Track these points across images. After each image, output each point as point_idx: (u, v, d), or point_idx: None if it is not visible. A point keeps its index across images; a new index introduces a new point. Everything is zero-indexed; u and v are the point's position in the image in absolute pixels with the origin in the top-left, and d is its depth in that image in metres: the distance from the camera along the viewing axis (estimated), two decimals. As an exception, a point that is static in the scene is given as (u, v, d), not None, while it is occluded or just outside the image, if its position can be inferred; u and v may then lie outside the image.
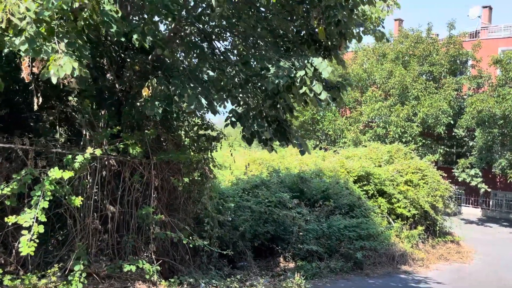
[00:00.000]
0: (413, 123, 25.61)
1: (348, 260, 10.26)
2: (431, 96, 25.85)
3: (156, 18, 7.53)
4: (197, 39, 7.34)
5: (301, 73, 5.46)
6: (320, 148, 25.59)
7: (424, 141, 26.20)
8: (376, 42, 29.93)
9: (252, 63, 5.77)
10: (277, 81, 5.35)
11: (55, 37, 4.22)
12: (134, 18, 6.78)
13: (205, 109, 5.71)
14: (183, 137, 6.99)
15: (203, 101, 5.55)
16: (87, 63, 4.69)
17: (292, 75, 5.48)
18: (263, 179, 11.93)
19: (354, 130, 26.95)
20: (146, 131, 6.58)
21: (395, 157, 17.35)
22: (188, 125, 7.60)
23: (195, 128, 7.69)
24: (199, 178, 7.58)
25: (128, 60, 6.76)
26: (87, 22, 4.54)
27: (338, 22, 5.86)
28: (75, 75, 4.31)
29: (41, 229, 4.72)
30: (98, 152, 5.48)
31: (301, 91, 5.56)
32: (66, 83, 4.49)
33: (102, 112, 6.71)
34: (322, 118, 29.58)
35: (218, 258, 8.69)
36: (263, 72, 5.68)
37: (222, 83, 6.14)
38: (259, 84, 6.09)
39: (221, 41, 7.28)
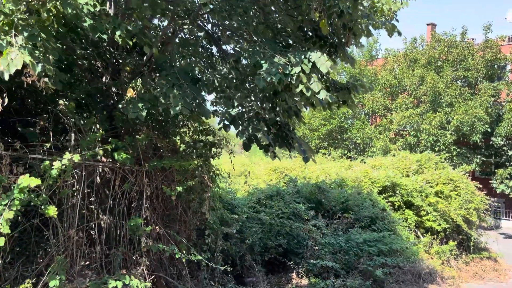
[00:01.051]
0: (447, 131, 24.34)
1: (367, 277, 9.45)
2: (466, 102, 24.53)
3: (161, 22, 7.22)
4: (204, 42, 6.91)
5: (297, 69, 4.87)
6: (347, 157, 24.68)
7: (459, 150, 24.83)
8: (406, 48, 28.88)
9: (245, 59, 5.22)
10: (269, 78, 4.78)
11: (12, 30, 3.83)
12: (129, 18, 6.40)
13: (192, 110, 5.18)
14: (178, 143, 6.50)
15: (191, 102, 5.04)
16: (55, 59, 4.27)
17: (287, 72, 4.89)
18: (279, 189, 11.30)
19: (383, 139, 25.86)
20: (137, 136, 6.14)
21: (425, 167, 16.31)
22: (188, 130, 7.13)
23: (197, 133, 7.21)
24: (200, 187, 7.08)
25: (121, 61, 6.36)
26: (51, 14, 4.13)
27: (341, 13, 5.24)
28: (36, 72, 3.91)
29: (1, 242, 4.31)
30: (76, 158, 5.05)
31: (297, 90, 4.96)
32: (30, 81, 4.10)
33: (97, 117, 6.34)
34: (351, 126, 28.65)
35: (223, 273, 8.12)
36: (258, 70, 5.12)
37: (216, 83, 5.64)
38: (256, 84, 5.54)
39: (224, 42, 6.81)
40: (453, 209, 14.30)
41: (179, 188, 6.23)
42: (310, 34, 6.10)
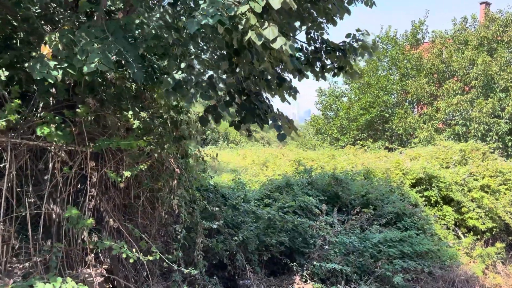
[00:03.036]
0: (500, 119, 21.76)
1: (384, 284, 7.95)
2: (523, 87, 21.82)
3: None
4: None
5: (243, 8, 3.57)
6: (386, 148, 22.72)
7: (514, 140, 22.17)
8: (454, 28, 26.26)
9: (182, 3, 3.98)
10: (204, 21, 3.51)
11: None
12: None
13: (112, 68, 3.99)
14: (132, 118, 5.37)
15: (115, 59, 3.89)
16: None
17: (233, 14, 3.60)
18: (289, 180, 9.98)
19: (427, 129, 23.60)
20: (77, 109, 5.08)
21: (469, 157, 14.30)
22: (152, 104, 6.00)
23: (165, 110, 6.06)
24: (169, 174, 5.96)
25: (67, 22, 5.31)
26: None
27: None
28: None
29: None
30: (-24, 132, 4.09)
31: (246, 38, 3.67)
32: None
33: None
34: (391, 115, 26.51)
35: (207, 275, 6.95)
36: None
37: (161, 40, 4.44)
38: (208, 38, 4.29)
39: None
40: (501, 205, 12.32)
41: (127, 173, 5.12)
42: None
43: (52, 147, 4.99)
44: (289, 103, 6.59)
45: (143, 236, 5.70)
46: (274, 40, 3.60)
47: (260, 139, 33.24)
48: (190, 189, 6.76)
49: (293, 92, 6.24)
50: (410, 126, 24.96)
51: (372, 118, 26.94)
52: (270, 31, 3.62)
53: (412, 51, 27.59)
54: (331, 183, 10.25)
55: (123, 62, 4.09)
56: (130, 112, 5.31)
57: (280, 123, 4.89)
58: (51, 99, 5.56)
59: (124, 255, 5.07)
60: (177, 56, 4.36)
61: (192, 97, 4.19)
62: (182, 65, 4.32)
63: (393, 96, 28.20)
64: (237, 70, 4.49)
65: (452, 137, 23.38)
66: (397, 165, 12.70)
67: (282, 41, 3.60)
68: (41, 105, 5.41)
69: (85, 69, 3.82)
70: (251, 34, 3.62)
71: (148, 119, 5.42)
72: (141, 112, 5.43)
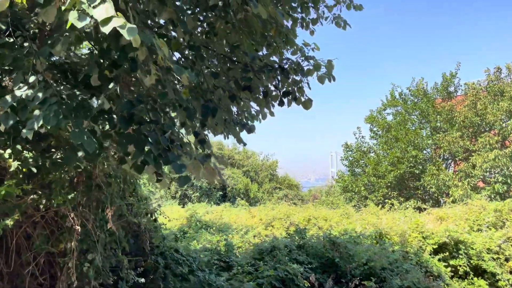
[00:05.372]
0: (546, 176, 19.23)
1: None
2: None
3: None
4: None
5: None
6: (416, 209, 20.37)
7: None
8: (488, 79, 24.41)
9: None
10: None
11: None
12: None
13: None
14: (10, 159, 4.12)
15: None
16: None
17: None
18: (275, 244, 8.32)
19: (463, 187, 21.18)
20: None
21: (506, 219, 12.07)
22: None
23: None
24: (70, 229, 4.59)
25: None
26: None
27: None
28: None
29: None
30: None
31: (68, 26, 2.40)
32: None
33: None
34: (422, 172, 24.24)
35: None
36: None
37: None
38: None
39: None
40: (549, 280, 9.96)
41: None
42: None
43: None
44: (245, 144, 5.23)
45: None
46: (107, 21, 2.30)
47: (284, 197, 31.41)
48: (119, 253, 5.34)
49: (246, 129, 4.92)
50: (444, 183, 22.58)
51: (401, 174, 24.76)
52: (103, 9, 2.33)
53: (442, 104, 25.75)
54: (327, 246, 8.48)
55: None
56: (9, 151, 4.08)
57: (184, 163, 3.47)
58: None
59: None
60: (29, 68, 3.14)
61: (34, 121, 2.90)
62: (32, 78, 3.07)
63: (425, 152, 26.07)
64: (110, 86, 3.21)
65: (492, 196, 20.83)
66: (415, 227, 10.72)
67: (119, 22, 2.29)
68: None
69: None
70: (71, 15, 2.34)
71: (30, 160, 4.14)
72: (25, 151, 4.18)
